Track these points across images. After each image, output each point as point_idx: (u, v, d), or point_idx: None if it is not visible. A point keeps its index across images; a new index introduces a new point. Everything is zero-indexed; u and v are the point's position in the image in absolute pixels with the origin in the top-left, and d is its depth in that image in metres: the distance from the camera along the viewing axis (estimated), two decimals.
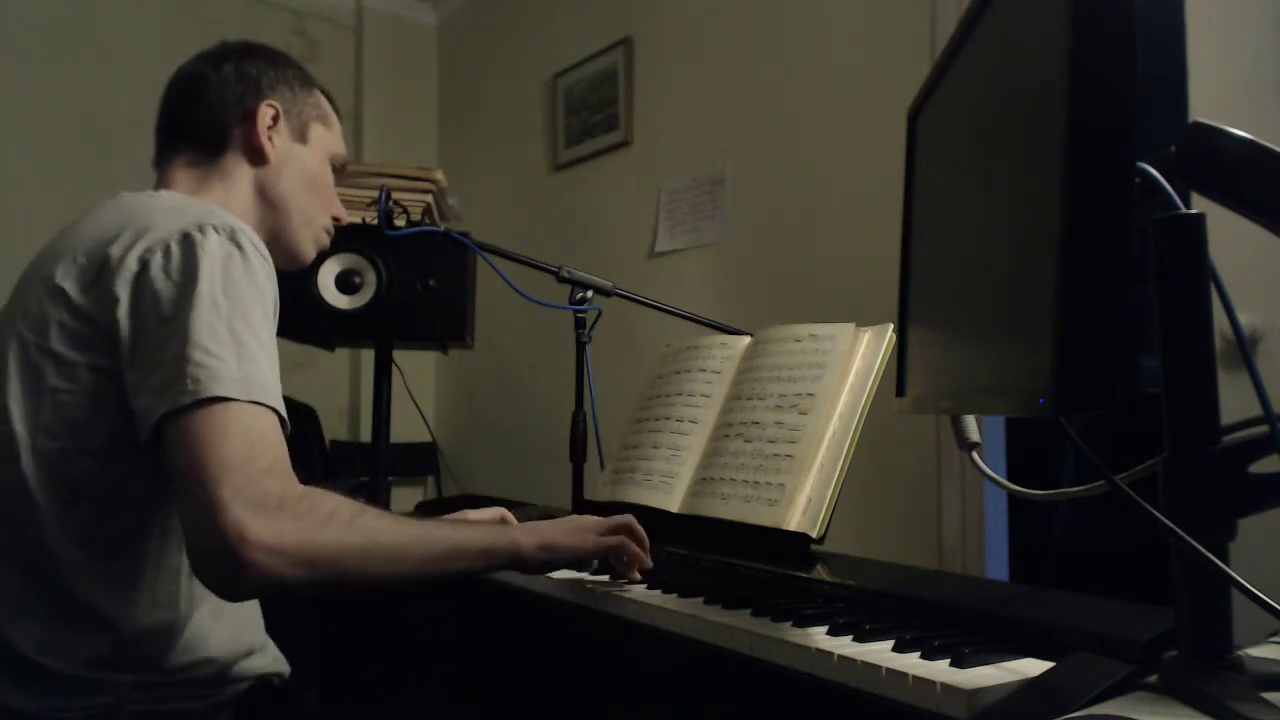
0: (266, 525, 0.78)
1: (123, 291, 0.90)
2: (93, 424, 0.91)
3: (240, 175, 1.13)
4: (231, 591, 0.86)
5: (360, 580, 0.86)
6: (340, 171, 1.25)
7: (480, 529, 1.03)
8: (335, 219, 1.24)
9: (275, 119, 1.14)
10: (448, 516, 1.20)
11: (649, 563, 1.08)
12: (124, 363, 0.89)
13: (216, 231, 0.92)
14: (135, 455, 0.88)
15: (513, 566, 1.00)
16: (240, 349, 0.86)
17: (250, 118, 1.12)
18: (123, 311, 0.89)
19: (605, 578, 1.11)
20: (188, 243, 0.90)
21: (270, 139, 1.13)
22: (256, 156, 1.13)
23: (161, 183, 1.11)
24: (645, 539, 1.09)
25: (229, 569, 0.79)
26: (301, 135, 1.17)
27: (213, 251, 0.90)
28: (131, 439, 0.87)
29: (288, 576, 0.80)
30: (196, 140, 1.12)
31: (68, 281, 0.93)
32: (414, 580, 0.93)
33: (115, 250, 0.92)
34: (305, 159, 1.17)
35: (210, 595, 0.95)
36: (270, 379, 0.89)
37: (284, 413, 0.89)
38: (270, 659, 1.06)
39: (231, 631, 1.00)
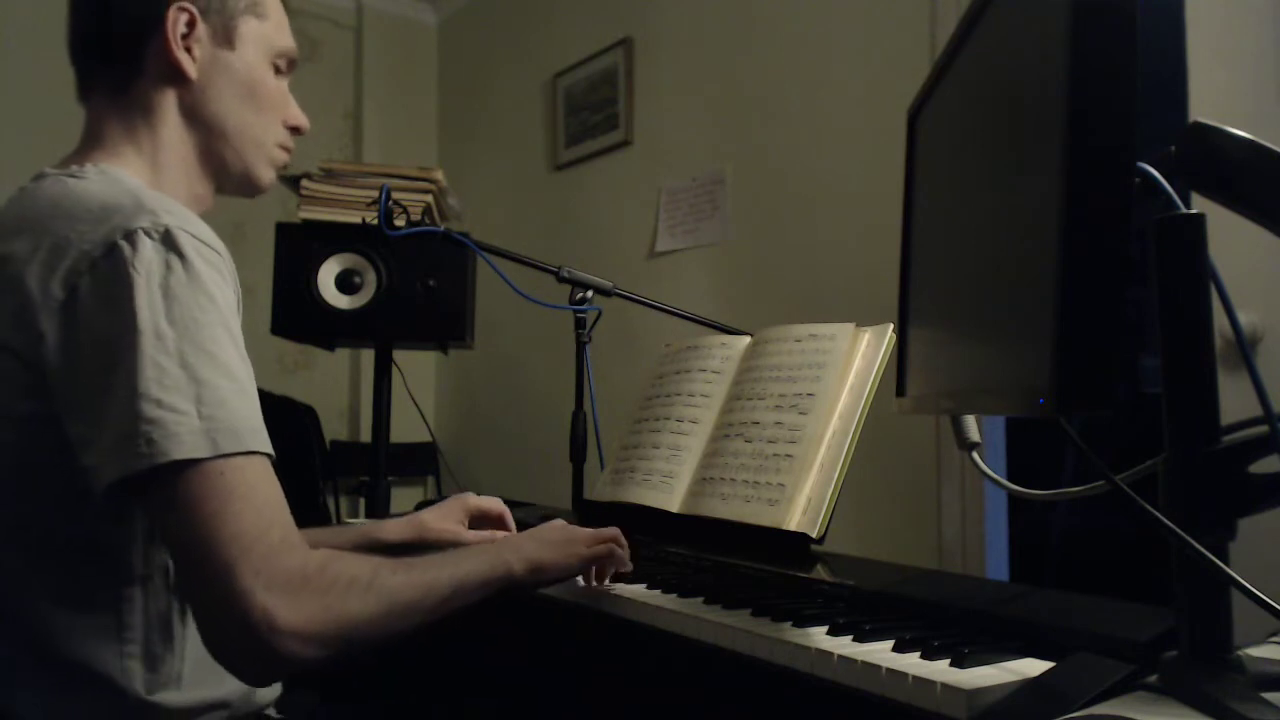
0: (295, 609, 0.73)
1: (49, 326, 0.78)
2: (40, 479, 0.82)
3: (164, 103, 0.96)
4: (260, 678, 0.82)
5: (381, 642, 0.82)
6: (290, 70, 1.05)
7: (477, 557, 0.96)
8: (294, 129, 1.06)
9: (190, 23, 0.95)
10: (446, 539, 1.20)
11: (628, 568, 1.06)
12: (62, 410, 0.79)
13: (149, 236, 0.79)
14: (96, 506, 0.79)
15: (508, 592, 0.96)
16: (200, 389, 0.76)
17: (159, 27, 0.94)
18: (51, 351, 0.78)
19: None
20: (116, 258, 0.78)
21: (188, 50, 0.95)
22: (175, 75, 0.96)
23: (88, 134, 0.97)
24: (627, 548, 1.07)
25: (258, 658, 0.74)
26: (227, 38, 0.98)
27: (148, 267, 0.78)
28: (89, 491, 0.77)
29: (319, 656, 0.75)
30: (108, 63, 0.96)
31: None
32: (427, 628, 0.88)
33: (35, 272, 0.79)
34: (235, 66, 0.99)
35: None
36: (245, 415, 0.78)
37: (268, 448, 0.80)
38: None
39: None
